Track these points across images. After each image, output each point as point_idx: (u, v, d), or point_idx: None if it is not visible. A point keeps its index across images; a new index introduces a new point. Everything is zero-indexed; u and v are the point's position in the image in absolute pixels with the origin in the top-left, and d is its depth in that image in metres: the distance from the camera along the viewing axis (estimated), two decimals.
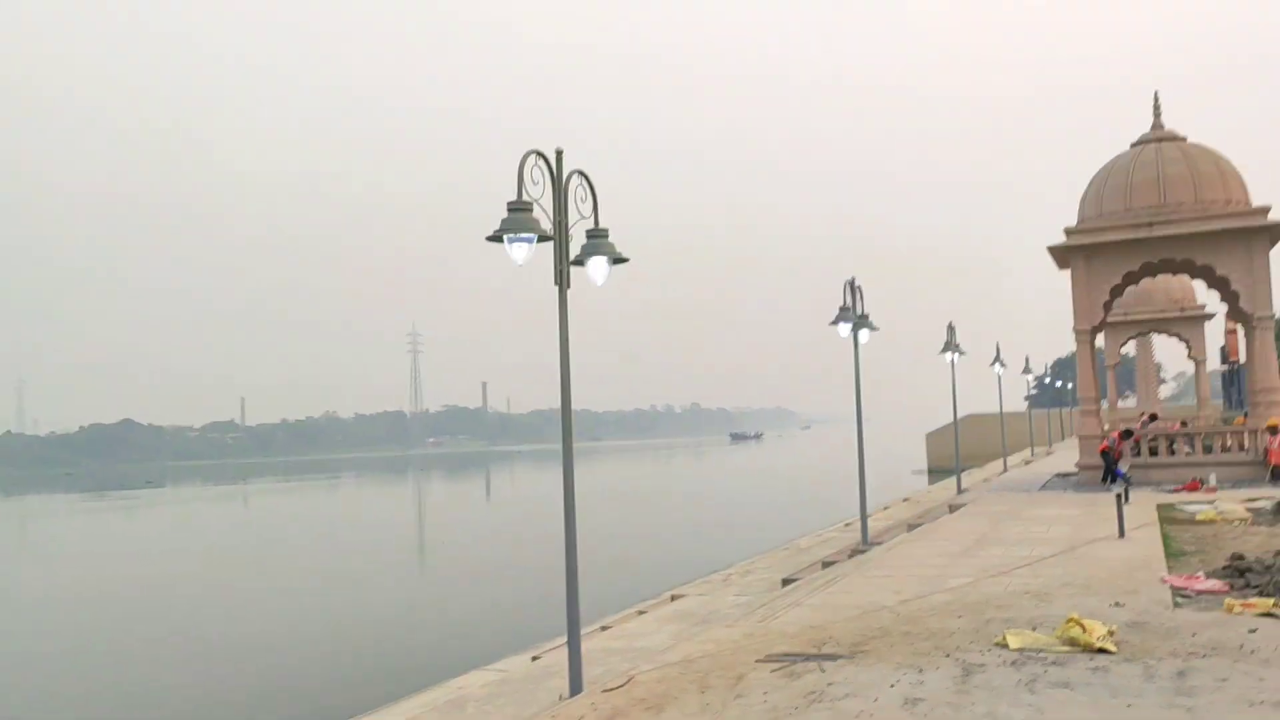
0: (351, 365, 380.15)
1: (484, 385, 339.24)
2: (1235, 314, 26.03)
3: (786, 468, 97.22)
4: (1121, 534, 14.91)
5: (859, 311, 20.26)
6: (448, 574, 35.49)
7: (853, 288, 20.21)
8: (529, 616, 22.83)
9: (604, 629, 17.02)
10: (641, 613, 18.67)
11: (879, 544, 19.89)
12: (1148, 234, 24.49)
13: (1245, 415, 28.62)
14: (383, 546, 44.07)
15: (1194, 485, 22.38)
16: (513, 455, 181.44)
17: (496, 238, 8.94)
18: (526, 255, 8.99)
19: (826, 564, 19.40)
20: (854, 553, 19.66)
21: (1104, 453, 24.95)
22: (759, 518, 44.57)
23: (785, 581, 18.08)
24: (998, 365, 39.10)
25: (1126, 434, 25.62)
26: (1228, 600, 9.88)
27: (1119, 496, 15.83)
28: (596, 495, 59.84)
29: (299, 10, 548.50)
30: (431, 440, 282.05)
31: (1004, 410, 43.07)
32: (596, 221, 9.46)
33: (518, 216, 8.91)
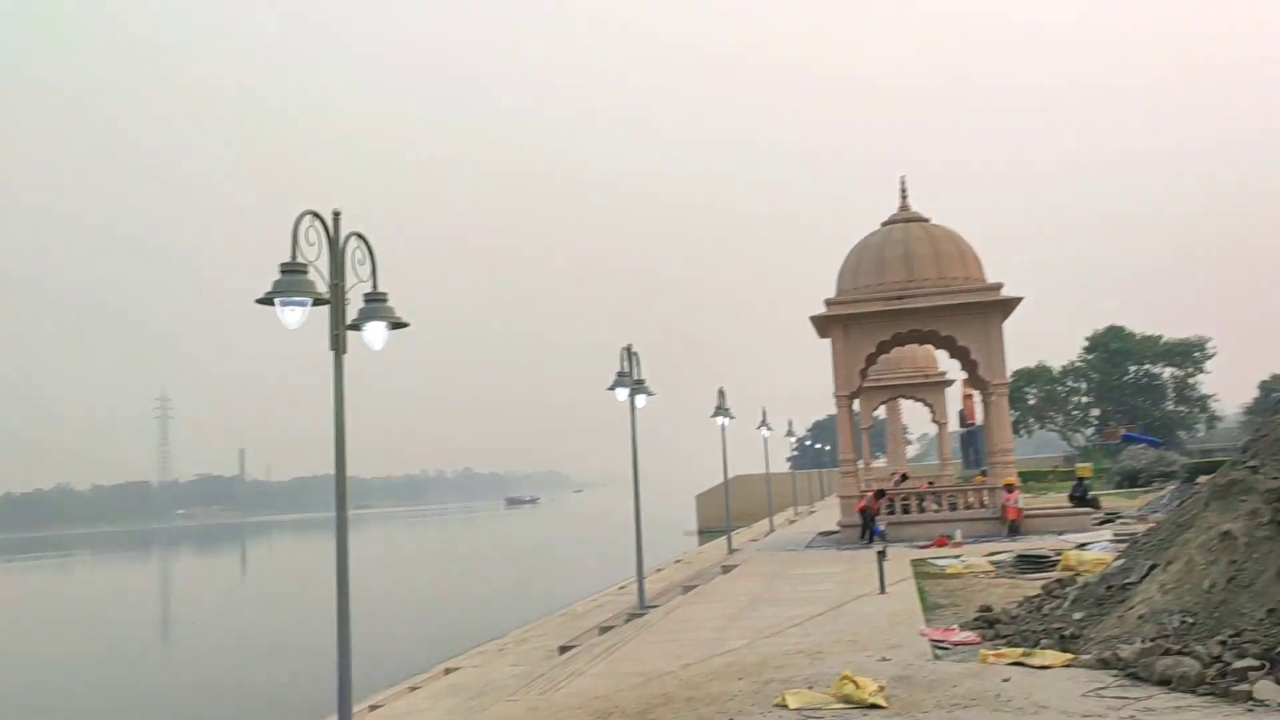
0: (89, 432, 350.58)
1: (242, 453, 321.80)
2: (974, 381, 28.26)
3: (561, 531, 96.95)
4: (883, 590, 15.67)
5: (636, 376, 20.63)
6: (195, 657, 32.90)
7: (630, 353, 20.58)
8: (289, 698, 21.48)
9: (374, 708, 16.25)
10: (414, 688, 17.97)
11: (655, 607, 20.06)
12: (898, 306, 26.33)
13: (984, 474, 31.00)
14: (118, 631, 40.41)
15: (942, 541, 23.92)
16: (272, 526, 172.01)
17: (268, 300, 8.48)
18: (300, 319, 8.58)
19: (604, 629, 19.37)
20: (631, 616, 19.72)
21: (862, 511, 26.32)
22: (534, 583, 44.09)
23: (563, 649, 17.89)
24: (764, 428, 40.69)
25: (880, 494, 27.16)
26: (982, 651, 10.51)
27: (880, 554, 16.65)
28: (364, 564, 57.33)
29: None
30: (182, 512, 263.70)
31: (770, 471, 44.85)
32: (375, 285, 9.17)
33: (291, 279, 8.50)
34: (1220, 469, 12.44)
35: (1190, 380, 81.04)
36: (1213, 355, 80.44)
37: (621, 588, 27.92)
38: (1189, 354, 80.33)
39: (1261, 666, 8.14)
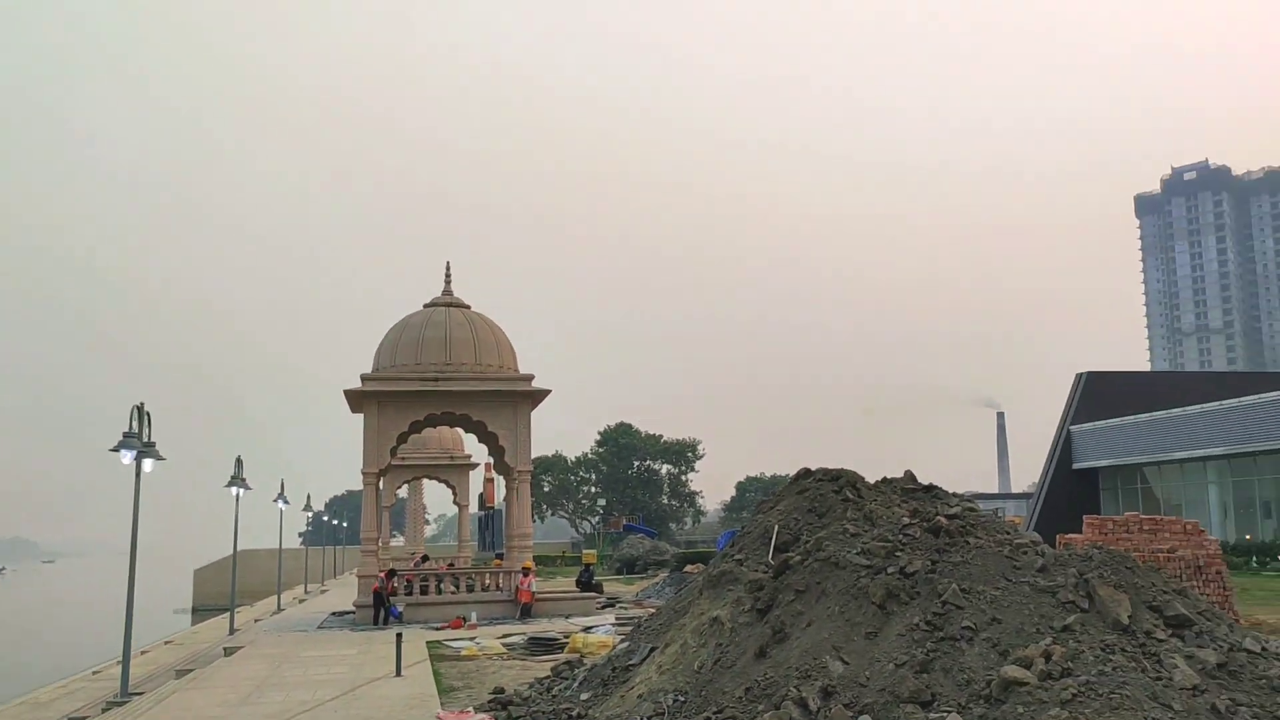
0: None
1: None
2: (501, 466, 29.22)
3: (25, 607, 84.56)
4: (399, 672, 15.50)
5: (146, 439, 18.79)
6: None
7: (141, 412, 18.75)
8: None
9: None
10: None
11: (141, 694, 18.12)
12: (434, 388, 26.67)
13: (500, 557, 31.93)
14: None
15: (458, 623, 24.18)
16: None
17: None
18: None
19: None
20: (110, 706, 17.64)
21: (376, 592, 25.92)
22: None
23: None
24: (281, 501, 38.76)
25: (392, 573, 27.02)
26: None
27: (399, 635, 16.48)
28: None
29: None
30: None
31: (282, 546, 42.64)
32: None
33: None
34: (713, 560, 13.94)
35: (683, 478, 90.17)
36: (702, 456, 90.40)
37: (95, 672, 24.83)
38: (683, 454, 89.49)
39: None
